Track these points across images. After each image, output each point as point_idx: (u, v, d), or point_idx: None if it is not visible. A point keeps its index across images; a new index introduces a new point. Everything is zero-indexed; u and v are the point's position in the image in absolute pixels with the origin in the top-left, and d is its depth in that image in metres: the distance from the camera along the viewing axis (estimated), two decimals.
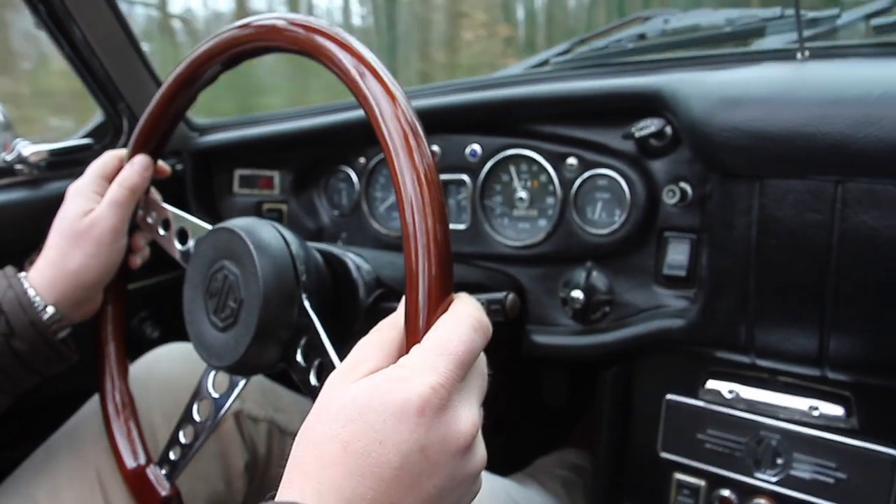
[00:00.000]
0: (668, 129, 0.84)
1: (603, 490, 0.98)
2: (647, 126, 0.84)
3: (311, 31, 0.54)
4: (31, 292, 0.71)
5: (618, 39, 1.16)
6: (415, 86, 1.17)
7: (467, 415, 0.42)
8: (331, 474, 0.39)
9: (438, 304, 0.45)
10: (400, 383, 0.40)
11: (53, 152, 1.02)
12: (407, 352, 0.44)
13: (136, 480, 0.74)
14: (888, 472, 0.75)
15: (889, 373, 0.72)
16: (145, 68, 1.13)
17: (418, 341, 0.44)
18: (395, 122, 0.48)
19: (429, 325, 0.44)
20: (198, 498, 0.83)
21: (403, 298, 0.46)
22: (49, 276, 0.72)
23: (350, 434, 0.39)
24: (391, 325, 0.47)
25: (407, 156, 0.46)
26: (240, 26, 0.63)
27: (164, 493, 0.73)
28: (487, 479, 0.93)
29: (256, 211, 1.18)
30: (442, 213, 0.46)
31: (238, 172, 1.19)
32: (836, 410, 0.77)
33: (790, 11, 1.02)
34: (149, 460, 0.76)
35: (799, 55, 0.88)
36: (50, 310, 0.71)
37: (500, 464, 0.91)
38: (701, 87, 0.80)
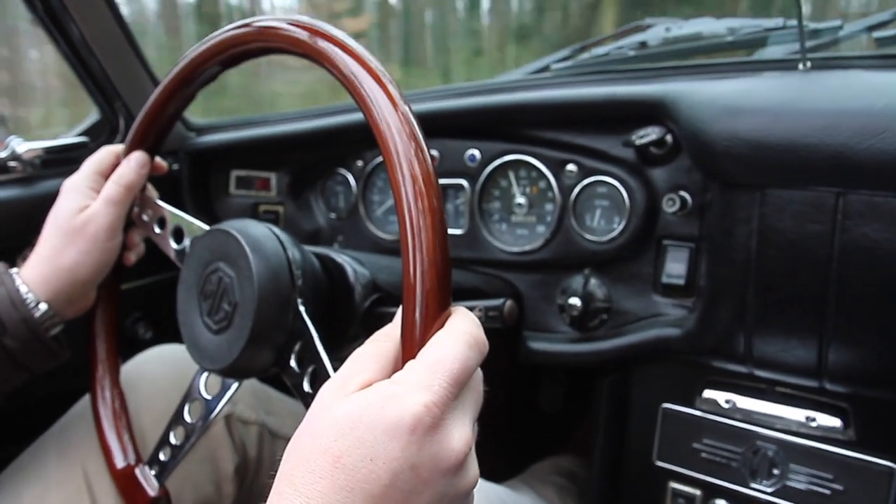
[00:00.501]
0: (669, 138, 0.84)
1: (598, 498, 0.98)
2: (648, 134, 0.83)
3: (313, 33, 0.54)
4: (23, 289, 0.70)
5: (619, 47, 1.16)
6: (415, 90, 1.17)
7: (460, 433, 0.41)
8: (320, 488, 0.38)
9: (435, 318, 0.44)
10: (393, 400, 0.40)
11: (48, 150, 1.02)
12: (402, 366, 0.43)
13: (125, 481, 0.74)
14: (885, 484, 0.74)
15: (888, 385, 0.72)
16: (142, 67, 1.12)
17: (413, 356, 0.43)
18: (395, 127, 0.47)
19: (424, 340, 0.44)
20: (186, 501, 0.83)
21: (400, 309, 0.46)
22: (42, 273, 0.71)
23: (341, 449, 0.39)
24: (386, 338, 0.46)
25: (408, 165, 0.46)
26: (240, 26, 0.62)
27: (153, 494, 0.72)
28: (481, 485, 0.92)
29: (253, 212, 1.17)
30: (441, 224, 0.45)
31: (235, 173, 1.18)
32: (834, 422, 0.77)
33: (792, 22, 1.02)
34: (138, 460, 0.75)
35: (801, 66, 0.87)
36: (42, 307, 0.70)
37: (495, 470, 0.90)
38: (703, 95, 0.79)
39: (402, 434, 0.39)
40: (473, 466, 0.43)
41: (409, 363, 0.43)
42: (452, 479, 0.41)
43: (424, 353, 0.43)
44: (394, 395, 0.40)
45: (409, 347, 0.44)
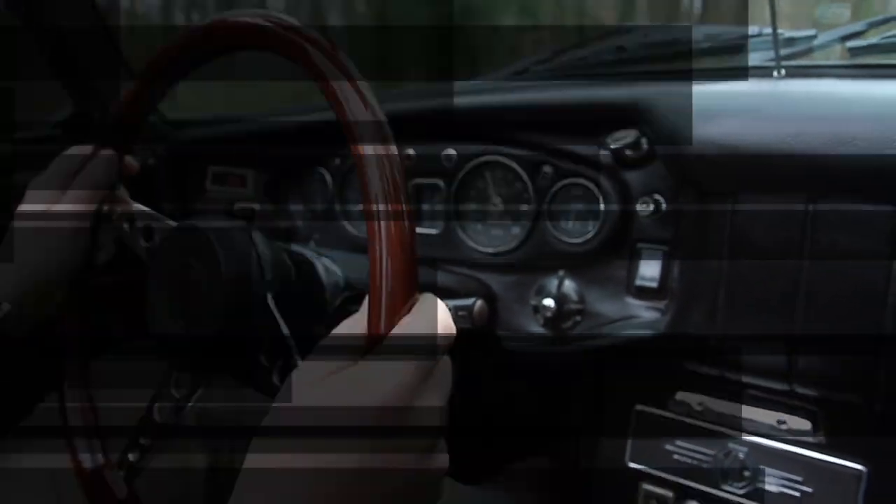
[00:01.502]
0: (644, 141, 0.84)
1: (570, 499, 0.98)
2: (624, 137, 0.83)
3: (284, 29, 0.54)
4: None
5: (598, 50, 1.17)
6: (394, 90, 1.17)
7: (429, 417, 0.41)
8: (286, 478, 0.38)
9: (401, 303, 0.44)
10: (360, 384, 0.40)
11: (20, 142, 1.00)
12: (369, 352, 0.43)
13: (92, 484, 0.72)
14: (853, 486, 0.75)
15: (855, 389, 0.73)
16: (119, 60, 1.11)
17: (380, 341, 0.43)
18: (362, 119, 0.47)
19: (391, 325, 0.44)
20: (155, 502, 0.81)
21: (366, 298, 0.46)
22: (2, 274, 0.70)
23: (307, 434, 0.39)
24: (353, 325, 0.46)
25: (372, 148, 0.46)
26: (215, 21, 0.61)
27: (121, 497, 0.71)
28: (453, 487, 0.92)
29: (228, 209, 1.16)
30: (407, 207, 0.45)
31: (211, 169, 1.17)
32: (804, 425, 0.77)
33: (768, 30, 1.03)
34: (107, 462, 0.73)
35: (775, 73, 0.88)
36: (5, 307, 0.69)
37: (467, 472, 0.90)
38: (677, 99, 0.80)
39: (369, 418, 0.39)
40: (443, 451, 0.43)
41: (376, 347, 0.43)
42: (422, 463, 0.41)
43: (391, 337, 0.43)
44: (360, 379, 0.40)
45: (376, 332, 0.44)
